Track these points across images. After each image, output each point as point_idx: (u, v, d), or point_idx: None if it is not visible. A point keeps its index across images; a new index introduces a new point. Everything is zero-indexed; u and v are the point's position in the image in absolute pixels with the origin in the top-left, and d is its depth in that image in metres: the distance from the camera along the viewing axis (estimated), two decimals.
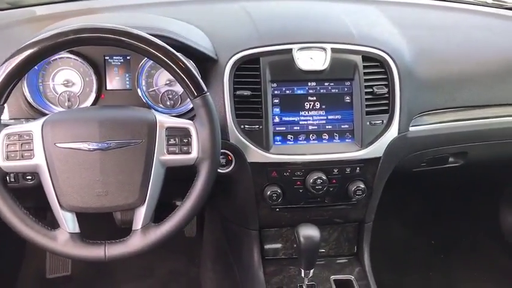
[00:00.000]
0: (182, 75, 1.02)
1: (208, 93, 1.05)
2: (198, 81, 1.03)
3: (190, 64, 1.20)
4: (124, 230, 1.13)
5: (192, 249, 1.99)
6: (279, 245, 1.42)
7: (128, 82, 1.30)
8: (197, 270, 1.93)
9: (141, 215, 1.06)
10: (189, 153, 1.06)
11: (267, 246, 1.42)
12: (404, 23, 1.47)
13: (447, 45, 1.44)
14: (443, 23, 1.54)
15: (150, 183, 1.04)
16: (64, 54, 1.25)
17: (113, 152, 1.02)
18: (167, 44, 1.03)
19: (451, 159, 1.45)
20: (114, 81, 1.30)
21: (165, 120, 1.07)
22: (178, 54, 1.03)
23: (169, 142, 1.06)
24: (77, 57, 1.26)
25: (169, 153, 1.06)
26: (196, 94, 1.03)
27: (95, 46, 1.23)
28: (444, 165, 1.45)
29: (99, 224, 1.33)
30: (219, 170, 1.25)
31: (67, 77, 1.28)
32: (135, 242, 1.06)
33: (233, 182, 1.30)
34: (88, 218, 1.17)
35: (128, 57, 1.29)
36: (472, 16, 1.60)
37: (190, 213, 1.06)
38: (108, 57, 1.28)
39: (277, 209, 1.33)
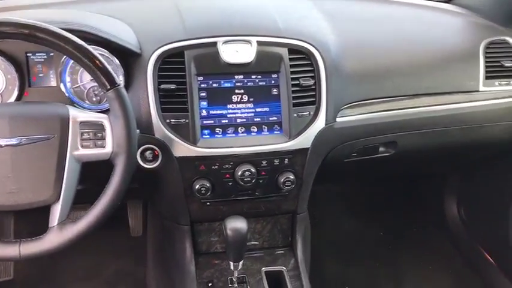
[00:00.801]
0: (93, 67, 1.01)
1: (121, 86, 1.04)
2: (109, 73, 1.02)
3: (104, 57, 1.19)
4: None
5: (138, 249, 1.97)
6: (212, 240, 1.42)
7: (52, 79, 1.28)
8: (143, 269, 1.91)
9: (56, 211, 1.04)
10: (103, 147, 1.05)
11: (200, 241, 1.42)
12: (336, 17, 1.49)
13: (376, 37, 1.46)
14: (375, 15, 1.56)
15: (64, 179, 1.03)
16: None
17: (24, 148, 1.00)
18: (85, 39, 1.01)
19: (381, 149, 1.47)
20: (38, 78, 1.27)
21: (78, 114, 1.06)
22: (88, 46, 1.02)
23: (83, 137, 1.04)
24: None
25: (83, 147, 1.04)
26: (108, 87, 1.03)
27: (16, 43, 1.23)
28: (375, 155, 1.47)
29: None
30: (146, 166, 1.25)
31: None
32: (51, 239, 1.04)
33: (161, 177, 1.29)
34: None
35: (51, 54, 1.26)
36: (404, 8, 1.63)
37: (107, 209, 1.05)
38: (30, 54, 1.26)
39: (208, 203, 1.32)
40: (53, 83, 1.27)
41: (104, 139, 1.05)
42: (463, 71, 1.49)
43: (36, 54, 1.26)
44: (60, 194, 1.03)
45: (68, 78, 1.27)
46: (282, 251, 1.45)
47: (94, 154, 1.05)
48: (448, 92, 1.46)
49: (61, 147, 1.02)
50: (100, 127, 1.05)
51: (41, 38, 0.98)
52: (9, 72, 1.25)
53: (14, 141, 1.00)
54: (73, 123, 1.04)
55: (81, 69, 1.27)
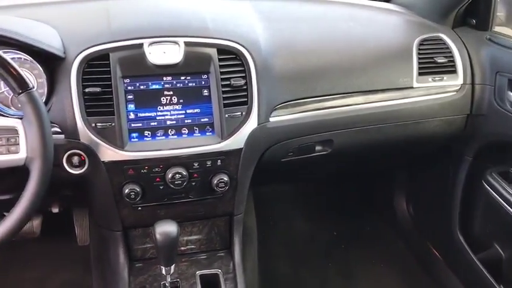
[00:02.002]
0: (3, 70, 0.98)
1: (33, 89, 1.01)
2: (20, 77, 1.00)
3: (27, 62, 1.16)
4: None
5: (86, 258, 1.92)
6: (146, 246, 1.40)
7: None
8: (90, 279, 1.87)
9: None
10: (17, 153, 1.02)
11: (134, 247, 1.39)
12: (271, 17, 1.49)
13: (309, 37, 1.47)
14: (310, 15, 1.57)
15: None
16: None
17: None
18: (4, 43, 0.98)
19: (318, 148, 1.47)
20: None
21: None
22: None
23: None
24: None
25: None
26: (19, 91, 1.00)
27: None
28: (312, 154, 1.46)
29: None
30: (73, 171, 1.22)
31: None
32: None
33: (89, 182, 1.26)
34: None
35: None
36: (340, 7, 1.64)
37: (24, 216, 1.02)
38: None
39: (139, 208, 1.30)
40: None
41: (18, 144, 1.02)
42: (396, 69, 1.50)
43: None
44: None
45: None
46: (221, 254, 1.44)
47: (7, 160, 1.02)
48: (382, 89, 1.47)
49: None
50: (13, 132, 1.02)
51: None
52: None
53: None
54: None
55: None
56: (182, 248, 1.41)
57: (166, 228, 1.16)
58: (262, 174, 1.42)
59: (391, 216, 2.12)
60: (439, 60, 1.53)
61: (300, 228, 2.22)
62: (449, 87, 1.55)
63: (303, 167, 1.57)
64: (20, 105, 1.18)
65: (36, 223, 1.85)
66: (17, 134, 1.02)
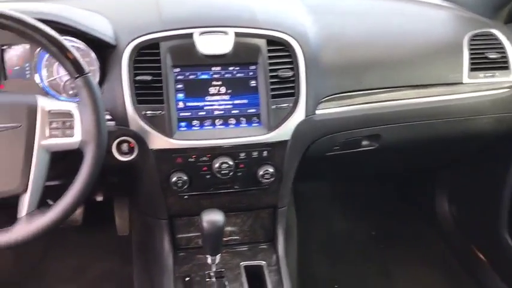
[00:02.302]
0: (61, 55, 1.00)
1: (89, 74, 1.03)
2: (77, 61, 1.01)
3: (79, 49, 1.18)
4: None
5: (125, 248, 1.94)
6: (191, 234, 1.40)
7: (27, 72, 1.27)
8: (130, 269, 1.89)
9: (24, 202, 1.02)
10: (71, 136, 1.04)
11: (179, 236, 1.40)
12: (319, 10, 1.47)
13: (357, 30, 1.45)
14: (358, 8, 1.55)
15: (32, 169, 1.02)
16: None
17: None
18: (60, 30, 1.00)
19: (364, 143, 1.45)
20: (14, 71, 1.26)
21: (47, 104, 1.04)
22: (57, 34, 1.00)
23: (52, 126, 1.03)
24: None
25: (51, 137, 1.03)
26: (76, 75, 1.01)
27: None
28: (358, 149, 1.44)
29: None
30: (122, 158, 1.24)
31: None
32: (19, 230, 1.02)
33: (138, 170, 1.27)
34: None
35: (27, 47, 1.25)
36: (389, 2, 1.61)
37: (76, 199, 1.03)
38: (5, 47, 1.25)
39: (186, 197, 1.30)
40: (29, 76, 1.26)
41: (73, 128, 1.04)
42: (446, 64, 1.46)
43: (12, 46, 1.25)
44: (27, 184, 1.02)
45: (43, 71, 1.26)
46: (264, 246, 1.43)
47: (62, 143, 1.04)
48: (431, 84, 1.44)
49: (28, 137, 1.01)
50: (69, 116, 1.04)
51: (8, 25, 0.97)
52: None
53: None
54: (41, 112, 1.02)
55: (57, 61, 1.27)
56: (225, 239, 1.41)
57: (213, 217, 1.15)
58: (306, 168, 1.41)
59: (432, 217, 2.07)
60: (490, 56, 1.49)
61: (337, 227, 2.19)
62: (501, 83, 1.50)
63: (348, 162, 1.55)
64: (73, 91, 1.22)
65: (78, 212, 1.89)
66: (73, 117, 1.04)
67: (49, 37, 0.99)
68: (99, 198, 1.61)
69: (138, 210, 1.58)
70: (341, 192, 2.29)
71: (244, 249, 1.40)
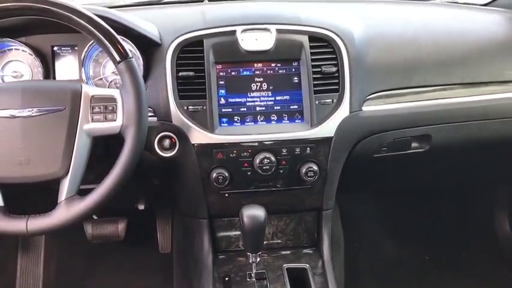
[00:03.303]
0: (105, 40, 1.02)
1: (132, 58, 1.04)
2: (121, 46, 1.03)
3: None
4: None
5: (167, 266, 1.91)
6: (232, 236, 1.35)
7: (75, 72, 1.30)
8: (171, 287, 1.84)
9: (64, 186, 1.03)
10: (114, 120, 1.04)
11: (219, 237, 1.35)
12: (362, 14, 1.46)
13: (403, 30, 1.41)
14: (401, 13, 1.52)
15: (74, 152, 1.02)
16: (13, 46, 1.28)
17: (35, 119, 1.01)
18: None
19: (414, 144, 1.37)
20: (62, 72, 1.30)
21: (90, 89, 1.07)
22: (101, 20, 1.03)
23: (94, 110, 1.05)
24: (25, 49, 1.28)
25: (93, 121, 1.04)
26: (119, 59, 1.03)
27: (42, 36, 1.27)
28: (407, 151, 1.37)
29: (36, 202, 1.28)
30: (163, 154, 1.23)
31: (16, 68, 1.30)
32: (59, 215, 1.01)
33: (179, 166, 1.25)
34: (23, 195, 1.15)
35: (76, 48, 1.30)
36: (431, 6, 1.58)
37: (116, 184, 1.02)
38: (56, 48, 1.30)
39: (226, 195, 1.27)
40: (76, 76, 1.30)
41: (115, 112, 1.04)
42: (500, 61, 1.39)
43: (62, 48, 1.30)
44: (69, 168, 1.02)
45: (90, 71, 1.30)
46: (308, 251, 1.35)
47: (104, 128, 1.04)
48: (484, 82, 1.37)
49: (71, 120, 1.02)
50: (111, 101, 1.05)
51: (56, 12, 1.00)
52: (35, 65, 1.29)
53: (25, 112, 1.01)
54: (85, 97, 1.04)
55: (104, 61, 1.30)
56: (267, 242, 1.35)
57: (254, 212, 1.11)
58: (353, 172, 1.34)
59: (492, 239, 1.91)
60: None
61: (387, 250, 2.07)
62: None
63: (397, 167, 1.47)
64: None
65: (121, 227, 1.88)
66: (115, 102, 1.05)
67: (94, 22, 1.02)
68: (141, 207, 1.60)
69: (179, 214, 1.55)
70: (390, 211, 2.17)
71: (287, 253, 1.33)
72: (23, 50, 1.28)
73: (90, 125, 1.04)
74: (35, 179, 1.02)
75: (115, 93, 1.05)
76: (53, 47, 1.30)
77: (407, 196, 2.07)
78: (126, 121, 1.03)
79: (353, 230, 1.98)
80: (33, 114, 1.01)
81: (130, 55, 1.04)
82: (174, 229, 1.84)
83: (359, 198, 2.14)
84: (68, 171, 1.02)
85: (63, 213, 1.01)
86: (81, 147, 1.03)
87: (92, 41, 1.25)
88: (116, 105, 1.04)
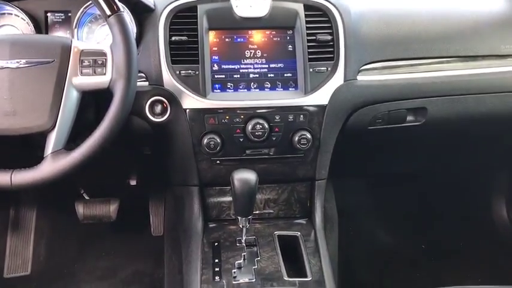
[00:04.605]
0: None
1: (123, 13, 1.03)
2: (112, 0, 1.02)
3: None
4: None
5: (159, 250, 1.88)
6: (223, 205, 1.32)
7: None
8: (163, 271, 1.81)
9: (51, 140, 1.01)
10: (103, 74, 1.03)
11: (210, 206, 1.33)
12: None
13: (400, 5, 1.40)
14: None
15: (62, 106, 1.01)
16: (6, 10, 1.27)
17: (23, 71, 1.00)
18: None
19: (410, 118, 1.35)
20: None
21: (81, 44, 1.06)
22: None
23: (83, 64, 1.03)
24: (18, 13, 1.27)
25: (82, 74, 1.03)
26: (109, 13, 1.01)
27: (36, 2, 1.26)
28: (403, 124, 1.35)
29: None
30: (155, 119, 1.21)
31: (9, 32, 1.29)
32: (44, 168, 0.99)
33: (170, 132, 1.23)
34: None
35: (69, 14, 1.29)
36: None
37: (104, 139, 1.00)
38: (49, 14, 1.29)
39: (218, 162, 1.25)
40: None
41: (104, 66, 1.03)
42: (497, 35, 1.38)
43: (55, 14, 1.29)
44: (56, 121, 1.00)
45: (83, 37, 1.28)
46: (300, 221, 1.32)
47: (93, 82, 1.03)
48: (481, 55, 1.35)
49: (60, 73, 1.01)
50: (101, 55, 1.03)
51: None
52: (28, 30, 1.27)
53: (13, 63, 0.99)
54: (74, 50, 1.03)
55: (97, 28, 1.29)
56: (259, 212, 1.32)
57: (245, 175, 1.08)
58: (347, 145, 1.32)
59: (489, 226, 1.88)
60: None
61: (382, 238, 2.03)
62: None
63: (392, 140, 1.45)
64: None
65: (113, 207, 1.86)
66: (105, 56, 1.03)
67: None
68: (133, 182, 1.58)
69: (171, 193, 1.52)
70: (385, 199, 2.13)
71: (279, 222, 1.31)
72: (15, 15, 1.27)
73: (78, 79, 1.02)
74: (21, 131, 1.00)
75: (105, 47, 1.04)
76: (46, 12, 1.28)
77: (402, 183, 2.04)
78: (115, 75, 1.02)
79: (348, 219, 1.95)
80: (21, 66, 0.99)
81: (121, 10, 1.03)
82: (166, 211, 1.81)
83: (354, 187, 2.12)
84: (55, 125, 1.00)
85: (49, 166, 0.99)
86: (69, 101, 1.01)
87: (85, 7, 1.25)
88: (105, 59, 1.03)
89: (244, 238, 1.15)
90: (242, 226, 1.13)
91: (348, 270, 1.76)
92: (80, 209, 1.83)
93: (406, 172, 1.86)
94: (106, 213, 1.83)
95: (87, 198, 1.87)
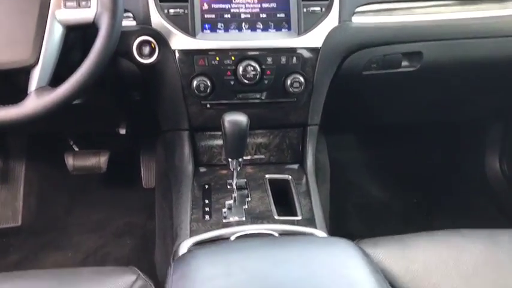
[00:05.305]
0: None
1: None
2: None
3: None
4: None
5: (150, 202, 1.87)
6: (214, 150, 1.30)
7: None
8: (154, 224, 1.80)
9: (35, 76, 0.97)
10: (87, 7, 0.98)
11: (201, 151, 1.31)
12: None
13: None
14: None
15: (45, 40, 0.97)
16: None
17: (2, 2, 0.95)
18: None
19: (405, 63, 1.32)
20: None
21: None
22: None
23: None
24: None
25: (66, 7, 0.98)
26: None
27: None
28: (398, 69, 1.32)
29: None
30: (143, 61, 1.17)
31: None
32: (28, 104, 0.96)
33: (158, 75, 1.20)
34: None
35: None
36: None
37: (88, 74, 0.97)
38: None
39: (208, 105, 1.22)
40: None
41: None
42: None
43: None
44: (39, 56, 0.97)
45: None
46: (291, 166, 1.31)
47: (78, 16, 0.99)
48: None
49: (43, 4, 0.97)
50: None
51: None
52: None
53: None
54: None
55: None
56: (249, 157, 1.31)
57: (235, 117, 1.06)
58: (341, 91, 1.30)
59: (482, 179, 1.88)
60: None
61: (374, 193, 2.03)
62: None
63: (386, 88, 1.42)
64: None
65: (103, 159, 1.84)
66: None
67: None
68: (122, 131, 1.55)
69: (161, 135, 1.50)
70: (377, 154, 2.12)
71: (270, 167, 1.29)
72: None
73: (62, 12, 0.98)
74: (3, 66, 0.97)
75: None
76: None
77: (395, 138, 2.03)
78: (100, 8, 0.98)
79: (340, 172, 1.94)
80: None
81: None
82: (156, 160, 1.79)
83: (346, 142, 2.11)
84: (38, 60, 0.97)
85: (32, 102, 0.96)
86: (52, 36, 0.97)
87: None
88: None
89: (235, 181, 1.14)
90: (233, 169, 1.11)
91: (338, 220, 1.76)
92: (70, 160, 1.81)
93: (399, 123, 1.84)
94: (96, 164, 1.82)
95: (76, 149, 1.84)
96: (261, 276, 0.70)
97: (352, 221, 1.92)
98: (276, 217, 1.12)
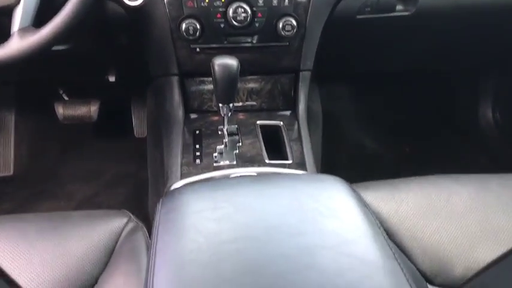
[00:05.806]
0: None
1: None
2: None
3: None
4: None
5: (142, 152, 1.86)
6: (204, 97, 1.29)
7: None
8: (146, 173, 1.81)
9: (17, 16, 0.94)
10: None
11: (191, 97, 1.29)
12: None
13: None
14: None
15: None
16: None
17: None
18: None
19: (399, 7, 1.28)
20: None
21: None
22: None
23: None
24: None
25: None
26: None
27: None
28: (392, 13, 1.28)
29: None
30: (130, 3, 1.13)
31: None
32: (12, 45, 0.93)
33: (146, 17, 1.16)
34: None
35: None
36: None
37: (74, 13, 0.94)
38: None
39: (198, 49, 1.19)
40: None
41: None
42: None
43: None
44: None
45: None
46: (283, 113, 1.30)
47: None
48: None
49: None
50: None
51: None
52: None
53: None
54: None
55: None
56: (241, 104, 1.29)
57: (226, 61, 1.03)
58: (334, 35, 1.26)
59: (475, 129, 1.88)
60: None
61: (366, 143, 2.04)
62: None
63: (380, 33, 1.39)
64: None
65: (93, 108, 1.82)
66: None
67: None
68: (112, 79, 1.52)
69: (151, 83, 1.47)
70: (370, 105, 2.11)
71: (262, 114, 1.28)
72: None
73: None
74: None
75: None
76: None
77: (388, 88, 2.01)
78: None
79: (332, 123, 1.94)
80: None
81: None
82: (147, 108, 1.77)
83: (339, 93, 2.09)
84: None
85: (16, 43, 0.93)
86: None
87: None
88: None
89: (226, 127, 1.12)
90: (224, 114, 1.09)
91: (330, 168, 1.77)
92: (60, 110, 1.79)
93: (392, 73, 1.82)
94: (86, 113, 1.80)
95: (66, 98, 1.82)
96: (248, 208, 0.70)
97: (344, 170, 1.92)
98: (267, 161, 1.11)
